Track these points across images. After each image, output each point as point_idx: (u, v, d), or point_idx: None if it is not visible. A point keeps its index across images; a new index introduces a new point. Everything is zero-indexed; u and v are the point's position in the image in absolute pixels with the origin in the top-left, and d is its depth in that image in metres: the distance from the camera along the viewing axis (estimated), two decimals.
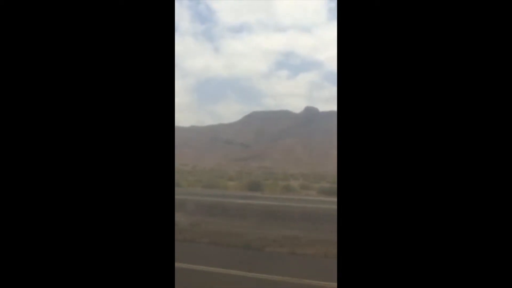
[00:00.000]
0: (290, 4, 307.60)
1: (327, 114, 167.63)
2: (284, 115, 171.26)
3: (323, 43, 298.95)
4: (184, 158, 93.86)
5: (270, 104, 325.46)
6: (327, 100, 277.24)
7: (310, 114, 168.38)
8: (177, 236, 7.43)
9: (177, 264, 2.24)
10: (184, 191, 20.06)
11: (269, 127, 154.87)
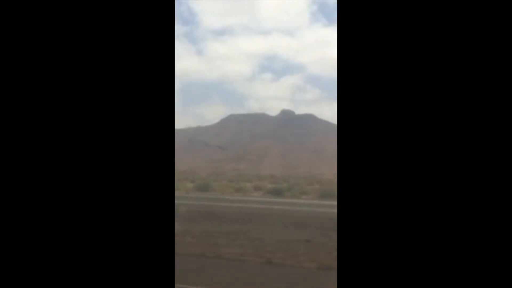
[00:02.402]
0: (272, 7, 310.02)
1: (303, 116, 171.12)
2: (260, 118, 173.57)
3: (305, 46, 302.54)
4: None
5: (254, 107, 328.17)
6: (310, 103, 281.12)
7: (286, 117, 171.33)
8: None
9: None
10: None
11: (245, 129, 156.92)
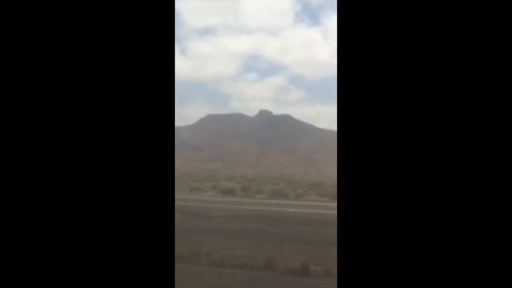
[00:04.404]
0: (256, 6, 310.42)
1: (280, 117, 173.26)
2: (239, 118, 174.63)
3: (289, 46, 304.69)
4: None
5: (238, 107, 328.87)
6: (293, 103, 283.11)
7: (265, 117, 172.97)
8: None
9: None
10: None
11: (223, 130, 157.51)
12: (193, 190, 26.53)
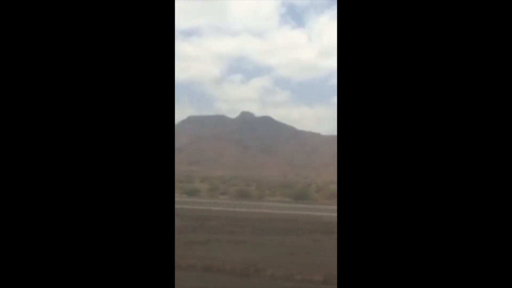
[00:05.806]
0: (241, 8, 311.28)
1: (261, 119, 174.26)
2: (219, 120, 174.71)
3: (274, 48, 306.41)
4: None
5: (223, 108, 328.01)
6: (278, 104, 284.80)
7: (245, 119, 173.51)
8: None
9: None
10: None
11: (204, 131, 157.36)
12: None
